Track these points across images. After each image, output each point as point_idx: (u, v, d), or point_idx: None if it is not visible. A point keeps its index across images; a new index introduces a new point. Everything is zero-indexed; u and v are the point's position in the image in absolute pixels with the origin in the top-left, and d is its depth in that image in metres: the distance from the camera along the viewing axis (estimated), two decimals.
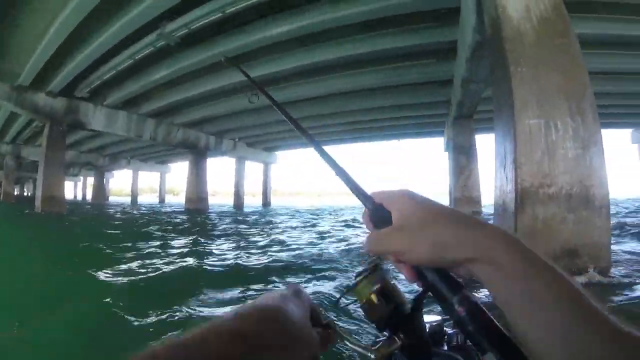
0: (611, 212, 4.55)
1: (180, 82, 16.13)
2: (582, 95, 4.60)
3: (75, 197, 65.96)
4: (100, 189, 43.57)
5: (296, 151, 38.54)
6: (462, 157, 16.74)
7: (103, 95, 18.09)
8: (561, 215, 4.35)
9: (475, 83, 11.06)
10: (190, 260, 5.91)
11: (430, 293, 0.46)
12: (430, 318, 0.71)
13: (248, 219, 16.82)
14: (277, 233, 10.46)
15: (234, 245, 8.08)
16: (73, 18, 10.35)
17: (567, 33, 4.88)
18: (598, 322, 0.35)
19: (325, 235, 9.79)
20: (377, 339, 0.56)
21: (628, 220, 10.53)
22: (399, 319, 0.48)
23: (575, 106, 4.54)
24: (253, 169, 36.48)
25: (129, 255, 6.42)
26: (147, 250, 7.02)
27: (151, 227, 11.36)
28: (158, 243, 7.93)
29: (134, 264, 5.57)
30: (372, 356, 0.46)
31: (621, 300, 3.37)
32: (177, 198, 73.19)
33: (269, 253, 6.73)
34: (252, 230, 11.37)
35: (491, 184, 5.87)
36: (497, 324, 0.41)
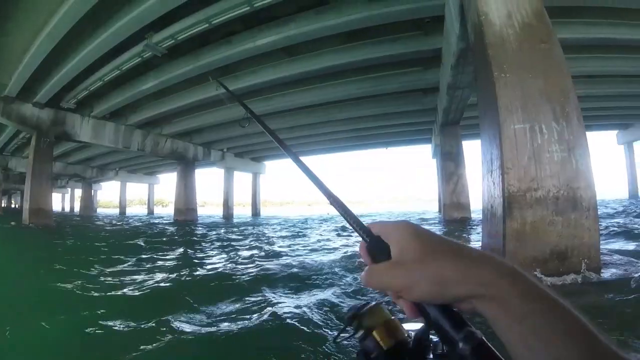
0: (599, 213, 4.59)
1: (167, 93, 16.12)
2: (566, 98, 4.66)
3: (63, 209, 65.09)
4: (88, 201, 43.10)
5: (285, 161, 38.49)
6: (450, 164, 16.93)
7: (90, 106, 17.98)
8: (549, 218, 4.38)
9: (460, 89, 11.23)
10: (176, 273, 5.80)
11: (432, 330, 0.44)
12: (412, 326, 0.69)
13: (236, 229, 16.68)
14: (266, 243, 10.37)
15: (221, 256, 7.97)
16: (60, 29, 10.29)
17: (549, 38, 4.95)
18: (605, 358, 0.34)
19: (314, 244, 9.73)
20: None
21: (617, 220, 10.62)
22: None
23: (559, 110, 4.60)
24: (243, 179, 36.26)
25: (112, 269, 6.29)
26: (132, 263, 6.89)
27: (138, 240, 11.19)
28: (145, 256, 7.79)
29: (117, 278, 5.45)
30: None
31: (613, 301, 3.37)
32: (166, 209, 72.67)
33: (257, 263, 6.65)
34: (240, 240, 11.26)
35: (480, 189, 5.91)
36: None
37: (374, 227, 0.48)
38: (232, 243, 10.47)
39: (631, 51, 11.87)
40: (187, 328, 3.19)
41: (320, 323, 3.21)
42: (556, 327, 0.35)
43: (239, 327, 3.19)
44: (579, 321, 0.35)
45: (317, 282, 5.10)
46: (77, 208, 51.97)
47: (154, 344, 2.79)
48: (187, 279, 5.43)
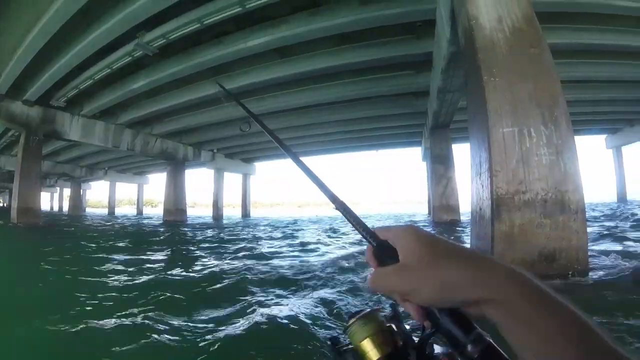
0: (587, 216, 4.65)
1: (158, 93, 16.02)
2: (555, 103, 4.72)
3: (51, 208, 64.33)
4: (77, 201, 42.62)
5: (276, 162, 38.50)
6: (440, 167, 17.05)
7: (80, 104, 17.81)
8: (538, 221, 4.43)
9: (450, 93, 11.32)
10: (165, 274, 5.74)
11: (439, 333, 0.43)
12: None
13: (226, 230, 16.59)
14: (256, 244, 10.33)
15: (211, 257, 7.91)
16: (52, 26, 10.20)
17: (539, 43, 5.02)
18: None
19: (305, 245, 9.71)
20: None
21: (605, 223, 10.76)
22: None
23: (548, 114, 4.66)
24: (233, 180, 36.12)
25: (100, 268, 6.22)
26: (120, 264, 6.80)
27: (126, 240, 11.08)
28: (133, 257, 7.71)
29: (104, 278, 5.39)
30: None
31: (601, 302, 3.41)
32: (155, 210, 72.12)
33: (247, 264, 6.60)
34: (230, 241, 11.19)
35: (469, 192, 5.95)
36: None
37: (380, 232, 0.49)
38: (222, 244, 10.40)
39: (620, 57, 12.08)
40: (177, 329, 3.16)
41: (313, 323, 3.21)
42: (565, 331, 0.35)
43: (230, 328, 3.17)
44: (588, 326, 0.35)
45: (309, 283, 5.08)
46: (65, 207, 51.31)
47: (144, 345, 2.76)
48: (176, 279, 5.37)
